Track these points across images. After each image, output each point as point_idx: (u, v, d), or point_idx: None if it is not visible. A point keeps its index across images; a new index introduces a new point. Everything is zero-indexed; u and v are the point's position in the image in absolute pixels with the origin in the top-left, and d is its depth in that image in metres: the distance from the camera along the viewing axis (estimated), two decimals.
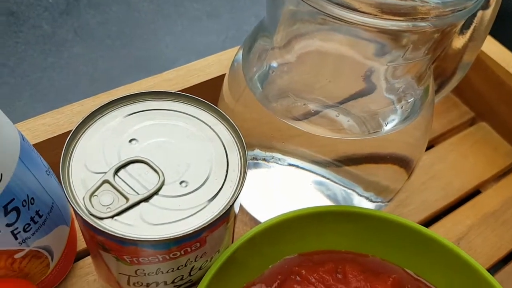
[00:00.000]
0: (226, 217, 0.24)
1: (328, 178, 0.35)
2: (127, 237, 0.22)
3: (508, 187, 0.42)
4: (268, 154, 0.35)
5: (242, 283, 0.30)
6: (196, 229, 0.22)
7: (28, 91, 0.52)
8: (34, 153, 0.27)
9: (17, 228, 0.26)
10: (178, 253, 0.24)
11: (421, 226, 0.31)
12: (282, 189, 0.37)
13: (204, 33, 0.61)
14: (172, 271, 0.25)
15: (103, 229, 0.22)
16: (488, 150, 0.45)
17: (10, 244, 0.26)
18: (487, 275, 0.29)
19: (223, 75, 0.40)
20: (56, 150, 0.31)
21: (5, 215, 0.25)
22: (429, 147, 0.45)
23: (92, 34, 0.57)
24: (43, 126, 0.34)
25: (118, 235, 0.22)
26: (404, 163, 0.35)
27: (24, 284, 0.27)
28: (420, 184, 0.42)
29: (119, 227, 0.22)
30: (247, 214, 0.38)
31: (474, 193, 0.42)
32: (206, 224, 0.23)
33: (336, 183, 0.35)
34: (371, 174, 0.35)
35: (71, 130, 0.33)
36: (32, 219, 0.26)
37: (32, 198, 0.26)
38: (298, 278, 0.30)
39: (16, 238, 0.26)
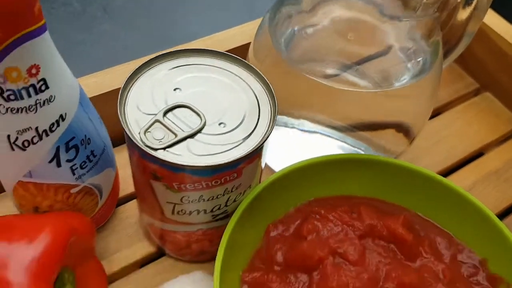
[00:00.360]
0: (259, 153, 0.28)
1: (343, 141, 0.39)
2: (177, 163, 0.26)
3: (510, 150, 0.45)
4: (288, 119, 0.39)
5: (269, 220, 0.34)
6: (235, 159, 0.26)
7: None
8: (90, 101, 0.31)
9: (75, 164, 0.29)
10: (219, 181, 0.27)
11: (433, 173, 0.34)
12: (301, 151, 0.41)
13: (224, 9, 0.64)
14: (212, 199, 0.29)
15: (157, 158, 0.26)
16: (492, 117, 0.48)
17: (69, 179, 0.30)
18: (494, 217, 0.32)
19: (248, 43, 0.44)
20: (104, 106, 0.35)
21: (66, 151, 0.28)
22: (436, 114, 0.48)
23: (120, 12, 0.61)
24: (93, 84, 0.38)
25: (170, 162, 0.26)
26: (411, 124, 0.38)
27: (80, 216, 0.30)
28: (427, 147, 0.45)
29: (170, 156, 0.26)
30: (270, 168, 0.41)
31: (478, 155, 0.46)
32: (243, 156, 0.26)
33: (350, 145, 0.39)
34: (381, 138, 0.39)
35: (118, 88, 0.36)
36: (88, 157, 0.30)
37: (89, 138, 0.30)
38: (317, 216, 0.34)
39: (73, 174, 0.30)
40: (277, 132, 0.39)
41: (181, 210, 0.30)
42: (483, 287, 0.32)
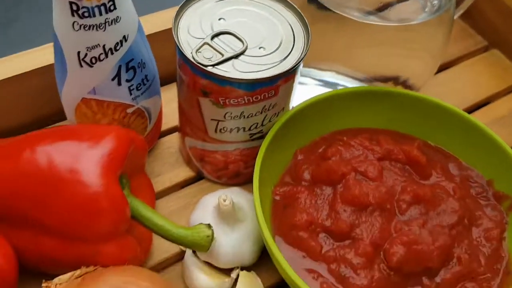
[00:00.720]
0: (293, 74, 0.32)
1: None
2: (226, 76, 0.30)
3: None
4: (311, 70, 0.42)
5: (297, 146, 0.38)
6: (274, 75, 0.30)
7: None
8: (144, 32, 0.35)
9: (132, 85, 0.34)
10: (258, 97, 0.32)
11: (445, 102, 0.38)
12: None
13: None
14: (251, 116, 0.33)
15: (208, 72, 0.30)
16: (500, 71, 0.52)
17: (126, 98, 0.34)
18: (500, 140, 0.36)
19: None
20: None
21: (126, 71, 0.33)
22: (447, 67, 0.52)
23: None
24: None
25: (219, 75, 0.30)
26: (421, 71, 0.42)
27: (135, 132, 0.34)
28: (437, 95, 0.48)
29: (219, 71, 0.30)
30: None
31: (486, 104, 0.50)
32: (281, 72, 0.31)
33: None
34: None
35: (159, 31, 0.40)
36: (142, 80, 0.34)
37: (144, 63, 0.34)
38: (340, 142, 0.38)
39: (130, 94, 0.34)
40: (302, 81, 0.43)
41: (223, 127, 0.34)
42: (490, 203, 0.36)
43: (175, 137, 0.43)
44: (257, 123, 0.34)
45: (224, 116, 0.33)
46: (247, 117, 0.33)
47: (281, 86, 0.32)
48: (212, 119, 0.34)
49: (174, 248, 0.36)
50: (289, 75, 0.32)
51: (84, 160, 0.29)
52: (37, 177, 0.29)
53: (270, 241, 0.30)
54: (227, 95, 0.31)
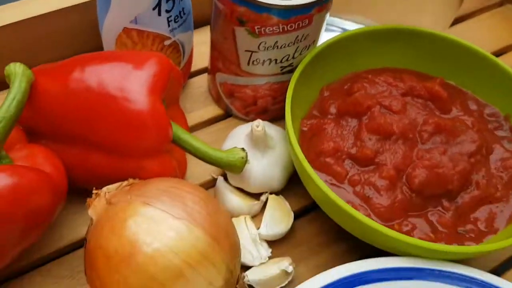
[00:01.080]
0: (326, 4, 0.34)
1: None
2: (263, 2, 0.32)
3: None
4: (333, 19, 0.44)
5: (323, 83, 0.40)
6: (310, 2, 0.32)
7: None
8: None
9: (171, 16, 0.35)
10: (293, 26, 0.33)
11: (469, 43, 0.40)
12: None
13: None
14: (283, 47, 0.35)
15: None
16: None
17: (165, 30, 0.36)
18: None
19: None
20: None
21: (166, 1, 0.34)
22: (462, 20, 0.53)
23: None
24: None
25: (257, 1, 0.32)
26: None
27: (172, 62, 0.36)
28: None
29: None
30: None
31: (500, 54, 0.51)
32: (316, 1, 0.32)
33: None
34: None
35: None
36: (180, 13, 0.36)
37: None
38: (366, 80, 0.39)
39: (168, 25, 0.36)
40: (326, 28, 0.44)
41: (256, 59, 0.36)
42: (506, 136, 0.38)
43: (204, 78, 0.44)
44: (289, 55, 0.36)
45: (258, 47, 0.35)
46: (280, 47, 0.35)
47: (314, 15, 0.34)
48: (246, 50, 0.35)
49: (205, 176, 0.38)
50: (322, 5, 0.33)
51: (131, 80, 0.31)
52: (87, 95, 0.31)
53: (301, 157, 0.32)
54: (263, 23, 0.33)
